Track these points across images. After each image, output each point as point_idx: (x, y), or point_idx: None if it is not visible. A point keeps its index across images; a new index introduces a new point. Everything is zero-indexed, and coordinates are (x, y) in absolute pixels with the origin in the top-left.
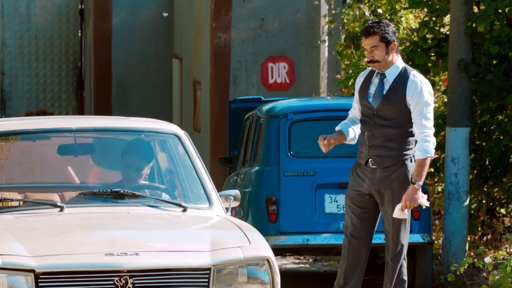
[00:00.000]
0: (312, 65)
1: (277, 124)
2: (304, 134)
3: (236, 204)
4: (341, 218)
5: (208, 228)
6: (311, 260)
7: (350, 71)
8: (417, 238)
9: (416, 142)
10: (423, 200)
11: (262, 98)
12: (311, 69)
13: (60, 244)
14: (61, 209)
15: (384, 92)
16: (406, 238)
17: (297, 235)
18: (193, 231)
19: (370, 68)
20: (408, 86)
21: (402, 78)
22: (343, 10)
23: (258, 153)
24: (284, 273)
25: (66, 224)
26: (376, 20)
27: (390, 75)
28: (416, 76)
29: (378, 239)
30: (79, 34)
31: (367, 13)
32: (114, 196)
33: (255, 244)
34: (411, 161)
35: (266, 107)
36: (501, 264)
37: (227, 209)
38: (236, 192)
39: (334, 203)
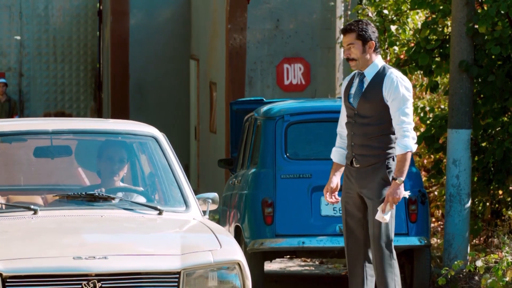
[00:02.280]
0: (327, 66)
1: (273, 126)
2: (301, 136)
3: (214, 207)
4: (337, 221)
5: (181, 231)
6: (317, 262)
7: None
8: (414, 241)
9: (392, 137)
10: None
11: (264, 99)
12: (326, 70)
13: (29, 247)
14: (35, 212)
15: (363, 90)
16: (388, 241)
17: (293, 238)
18: (165, 234)
19: (354, 72)
20: (385, 82)
21: (380, 76)
22: (358, 11)
23: (255, 155)
24: (287, 276)
25: (37, 227)
26: (357, 19)
27: (369, 74)
28: (392, 73)
29: None
30: (97, 35)
31: (370, 14)
32: (89, 199)
33: (226, 248)
34: (393, 160)
35: (263, 108)
36: (492, 267)
37: (204, 212)
38: (214, 195)
39: (330, 206)
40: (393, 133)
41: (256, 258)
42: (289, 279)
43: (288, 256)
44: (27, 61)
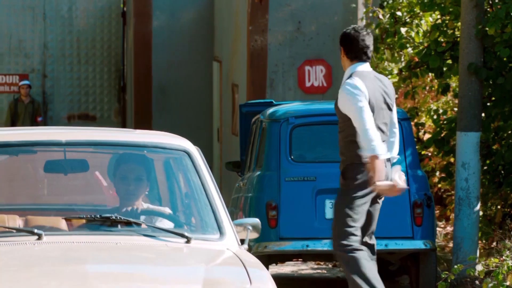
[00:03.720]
0: None
1: (278, 128)
2: (306, 139)
3: (255, 235)
4: None
5: (207, 264)
6: (330, 265)
7: None
8: (419, 244)
9: (357, 143)
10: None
11: (274, 102)
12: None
13: (22, 280)
14: (39, 237)
15: None
16: (339, 242)
17: (297, 241)
18: (187, 267)
19: None
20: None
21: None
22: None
23: (260, 158)
24: (297, 279)
25: (37, 256)
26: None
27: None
28: (345, 83)
29: (379, 245)
30: (121, 37)
31: (381, 16)
32: (104, 223)
33: (257, 285)
34: (354, 168)
35: (269, 111)
36: (493, 272)
37: (242, 241)
38: (255, 221)
39: None
40: (354, 140)
41: (261, 261)
42: (298, 282)
43: (296, 260)
44: (50, 62)
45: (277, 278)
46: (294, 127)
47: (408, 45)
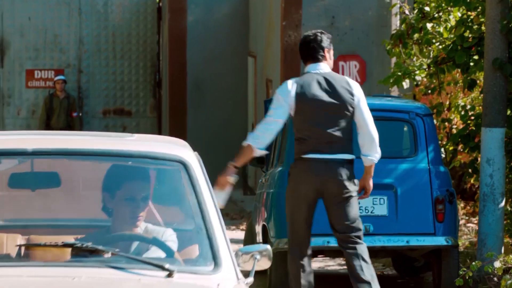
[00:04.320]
0: (383, 63)
1: None
2: None
3: (265, 264)
4: (363, 220)
5: None
6: None
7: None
8: (441, 241)
9: (299, 143)
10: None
11: None
12: (382, 68)
13: None
14: None
15: None
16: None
17: (317, 237)
18: None
19: None
20: None
21: None
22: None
23: (282, 153)
24: (320, 275)
25: None
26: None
27: None
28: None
29: (401, 241)
30: (157, 32)
31: (407, 12)
32: (66, 250)
33: None
34: (294, 164)
35: None
36: None
37: (248, 273)
38: (265, 248)
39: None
40: (296, 138)
41: (282, 258)
42: (323, 278)
43: (323, 256)
44: (86, 57)
45: None
46: None
47: (434, 41)
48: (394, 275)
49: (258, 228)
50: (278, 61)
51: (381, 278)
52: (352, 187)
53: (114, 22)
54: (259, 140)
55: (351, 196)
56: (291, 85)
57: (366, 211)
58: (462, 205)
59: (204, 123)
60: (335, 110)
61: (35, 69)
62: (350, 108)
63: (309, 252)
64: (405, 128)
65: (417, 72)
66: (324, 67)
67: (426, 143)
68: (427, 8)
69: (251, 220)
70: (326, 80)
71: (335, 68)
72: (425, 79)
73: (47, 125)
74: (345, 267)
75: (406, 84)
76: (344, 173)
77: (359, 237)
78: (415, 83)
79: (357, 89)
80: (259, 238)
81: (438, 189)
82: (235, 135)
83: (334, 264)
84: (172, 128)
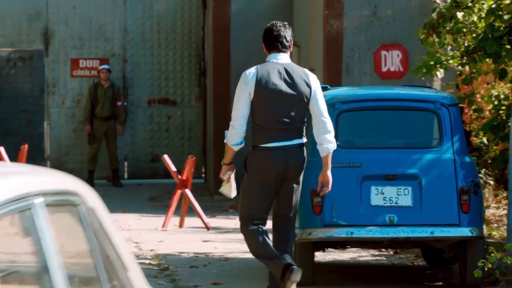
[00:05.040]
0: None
1: None
2: (352, 124)
3: None
4: (388, 211)
5: None
6: (391, 252)
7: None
8: (466, 232)
9: (257, 130)
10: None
11: (328, 87)
12: (425, 57)
13: None
14: None
15: None
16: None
17: (341, 228)
18: None
19: None
20: None
21: None
22: None
23: (308, 144)
24: (347, 266)
25: None
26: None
27: None
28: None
29: (425, 232)
30: (202, 21)
31: (438, 0)
32: None
33: None
34: (252, 150)
35: None
36: None
37: None
38: None
39: (381, 195)
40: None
41: (305, 248)
42: (353, 269)
43: (349, 247)
44: (131, 47)
45: (331, 264)
46: (340, 113)
47: (464, 30)
48: (424, 266)
49: None
50: (321, 51)
51: (411, 268)
52: (302, 171)
53: (159, 11)
54: (230, 138)
55: (299, 181)
56: (252, 74)
57: (391, 201)
58: (504, 194)
59: None
60: (292, 99)
61: (80, 58)
62: (306, 99)
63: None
64: (430, 118)
65: (450, 61)
66: (286, 57)
67: (452, 133)
68: None
69: None
70: (286, 70)
71: (378, 57)
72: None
73: (92, 114)
74: (378, 257)
75: (440, 74)
76: (300, 157)
77: (293, 224)
78: (458, 72)
79: (313, 80)
80: None
81: (463, 180)
82: None
83: (367, 255)
84: (216, 117)
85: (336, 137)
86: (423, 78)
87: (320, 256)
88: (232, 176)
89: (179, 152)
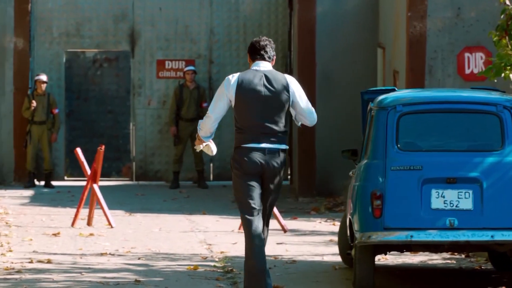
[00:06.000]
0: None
1: (385, 116)
2: (413, 127)
3: None
4: (448, 214)
5: None
6: (463, 256)
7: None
8: None
9: (238, 133)
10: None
11: (396, 89)
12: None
13: None
14: None
15: None
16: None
17: (401, 231)
18: None
19: None
20: None
21: None
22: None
23: (368, 146)
24: (419, 270)
25: None
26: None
27: None
28: None
29: (485, 236)
30: (288, 22)
31: (507, 2)
32: None
33: None
34: (234, 150)
35: (378, 98)
36: None
37: None
38: None
39: (441, 199)
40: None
41: (365, 251)
42: (413, 272)
43: (405, 251)
44: (217, 48)
45: (396, 268)
46: (401, 115)
47: None
48: (491, 270)
49: (346, 222)
50: (404, 52)
51: (477, 272)
52: (282, 174)
53: (245, 12)
54: (201, 131)
55: (280, 184)
56: (234, 79)
57: (451, 205)
58: None
59: (333, 115)
60: (272, 105)
61: (166, 60)
62: (286, 104)
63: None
64: (493, 121)
65: None
66: (267, 65)
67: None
68: None
69: (345, 212)
70: (266, 77)
71: (461, 59)
72: None
73: (177, 116)
74: (448, 261)
75: None
76: (278, 161)
77: (267, 223)
78: None
79: (293, 84)
80: (349, 231)
81: None
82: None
83: (438, 258)
84: None
85: (396, 139)
86: (495, 81)
87: (390, 259)
88: (209, 141)
89: None
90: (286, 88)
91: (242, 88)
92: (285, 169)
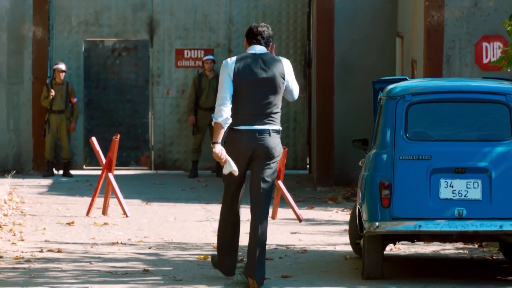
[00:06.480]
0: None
1: (394, 105)
2: (422, 117)
3: None
4: (457, 204)
5: None
6: (476, 246)
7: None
8: None
9: (233, 117)
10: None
11: (408, 78)
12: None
13: None
14: None
15: None
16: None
17: (409, 221)
18: None
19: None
20: None
21: None
22: None
23: (377, 136)
24: (431, 259)
25: None
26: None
27: None
28: None
29: (494, 226)
30: (307, 12)
31: None
32: None
33: None
34: (228, 131)
35: (388, 88)
36: None
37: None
38: None
39: (450, 188)
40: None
41: (374, 241)
42: (424, 262)
43: (416, 240)
44: (236, 37)
45: (407, 258)
46: (410, 105)
47: None
48: (503, 260)
49: (356, 212)
50: (422, 42)
51: (488, 262)
52: (277, 153)
53: (264, 1)
54: (217, 114)
55: (274, 162)
56: (232, 61)
57: (460, 195)
58: None
59: (351, 104)
60: (267, 86)
61: (185, 49)
62: (281, 86)
63: (239, 206)
64: (502, 111)
65: None
66: (263, 49)
67: None
68: None
69: (355, 202)
70: (262, 59)
71: (479, 48)
72: None
73: (196, 105)
74: (461, 251)
75: None
76: (270, 141)
77: (267, 200)
78: None
79: (287, 67)
80: (358, 221)
81: None
82: None
83: (451, 248)
84: (320, 108)
85: (405, 129)
86: (509, 70)
87: (402, 249)
88: (224, 153)
89: (283, 143)
90: (281, 71)
91: (239, 70)
92: (277, 150)
